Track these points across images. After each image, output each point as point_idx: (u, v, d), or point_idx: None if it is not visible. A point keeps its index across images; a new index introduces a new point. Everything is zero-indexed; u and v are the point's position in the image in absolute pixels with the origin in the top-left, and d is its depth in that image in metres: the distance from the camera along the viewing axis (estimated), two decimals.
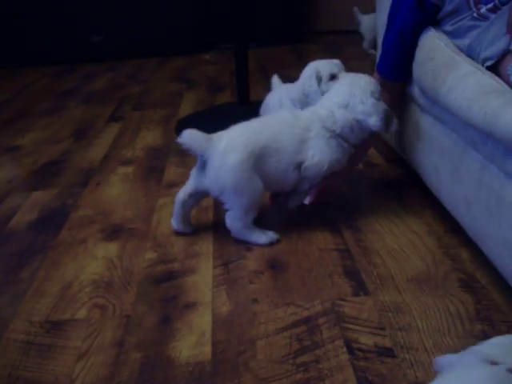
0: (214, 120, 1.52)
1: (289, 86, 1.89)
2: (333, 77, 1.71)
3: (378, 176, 1.90)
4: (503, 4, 1.26)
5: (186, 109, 2.69)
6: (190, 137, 1.41)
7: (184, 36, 3.88)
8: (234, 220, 1.47)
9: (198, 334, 1.19)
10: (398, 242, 1.49)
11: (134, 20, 3.80)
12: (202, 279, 1.37)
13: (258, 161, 1.42)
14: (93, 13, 3.75)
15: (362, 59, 3.42)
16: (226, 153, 1.40)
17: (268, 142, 1.44)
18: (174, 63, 3.76)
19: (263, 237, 1.49)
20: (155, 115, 2.63)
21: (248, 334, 1.18)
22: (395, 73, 1.63)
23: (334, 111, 1.49)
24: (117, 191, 1.87)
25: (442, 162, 1.45)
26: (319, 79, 1.72)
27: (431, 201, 1.61)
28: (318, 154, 1.47)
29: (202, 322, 1.23)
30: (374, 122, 1.47)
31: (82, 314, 1.27)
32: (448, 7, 1.43)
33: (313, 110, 1.54)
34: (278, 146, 1.45)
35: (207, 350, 1.15)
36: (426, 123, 1.56)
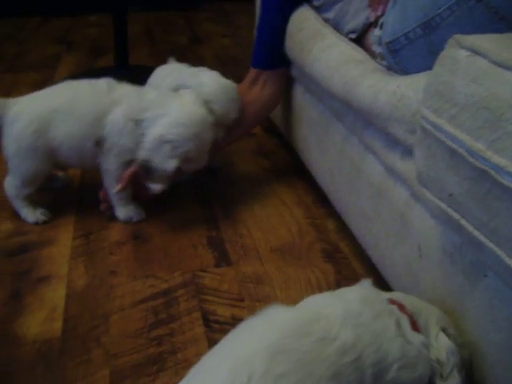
0: None
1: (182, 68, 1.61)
2: None
3: (255, 146, 1.88)
4: None
5: (63, 72, 2.55)
6: None
7: None
8: (10, 187, 1.39)
9: (50, 309, 1.13)
10: (266, 213, 1.48)
11: None
12: (60, 251, 1.30)
13: (46, 125, 1.32)
14: None
15: (251, 29, 3.38)
16: (12, 120, 1.33)
17: (61, 105, 1.33)
18: (56, 24, 3.56)
19: (31, 215, 1.40)
20: (29, 78, 2.47)
21: (102, 308, 1.13)
22: (276, 59, 1.53)
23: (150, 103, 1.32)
24: None
25: (310, 133, 1.45)
26: None
27: (304, 172, 1.61)
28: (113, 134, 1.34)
29: (54, 296, 1.16)
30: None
31: None
32: None
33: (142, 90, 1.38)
34: (72, 110, 1.33)
35: (57, 325, 1.09)
36: (297, 93, 1.55)
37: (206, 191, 1.58)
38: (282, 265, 1.27)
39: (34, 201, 1.41)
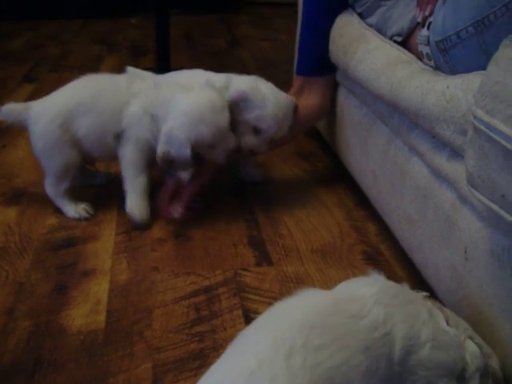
0: None
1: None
2: None
3: (294, 147, 1.88)
4: None
5: (105, 72, 2.59)
6: (7, 111, 1.37)
7: None
8: (48, 186, 1.42)
9: (94, 302, 1.15)
10: (306, 214, 1.48)
11: None
12: (103, 246, 1.32)
13: (70, 119, 1.35)
14: None
15: (290, 33, 3.39)
16: (36, 119, 1.36)
17: (83, 99, 1.36)
18: (98, 26, 3.63)
19: (74, 211, 1.42)
20: (73, 78, 2.50)
21: (145, 302, 1.15)
22: (322, 64, 1.52)
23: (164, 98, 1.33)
24: (23, 154, 1.78)
25: (352, 135, 1.45)
26: None
27: (344, 174, 1.61)
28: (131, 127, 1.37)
29: (98, 289, 1.18)
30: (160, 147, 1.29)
31: None
32: None
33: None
34: (94, 104, 1.36)
35: (101, 318, 1.10)
36: (339, 96, 1.55)
37: (245, 191, 1.59)
38: (323, 266, 1.27)
39: (74, 197, 1.44)
